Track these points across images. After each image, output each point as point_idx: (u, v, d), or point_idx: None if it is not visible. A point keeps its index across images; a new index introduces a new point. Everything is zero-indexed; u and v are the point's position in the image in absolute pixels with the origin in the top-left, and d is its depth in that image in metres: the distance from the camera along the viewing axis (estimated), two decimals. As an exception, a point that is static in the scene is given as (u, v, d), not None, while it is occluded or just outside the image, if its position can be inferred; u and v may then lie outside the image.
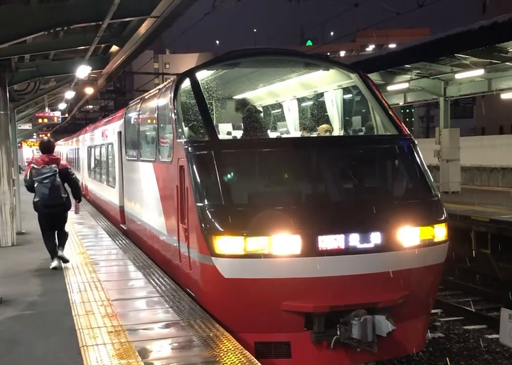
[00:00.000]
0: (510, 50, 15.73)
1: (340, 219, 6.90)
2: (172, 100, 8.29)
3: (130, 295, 7.94)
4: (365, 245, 6.74)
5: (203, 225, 6.83)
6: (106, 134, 17.06)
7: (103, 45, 14.49)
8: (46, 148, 9.82)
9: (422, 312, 7.45)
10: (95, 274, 9.19)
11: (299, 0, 15.62)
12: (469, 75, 18.34)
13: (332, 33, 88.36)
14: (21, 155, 49.75)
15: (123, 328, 6.39)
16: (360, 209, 7.08)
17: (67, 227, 10.27)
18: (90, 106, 50.64)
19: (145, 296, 7.84)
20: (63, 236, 9.99)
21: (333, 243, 6.65)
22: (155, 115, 9.83)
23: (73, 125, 53.45)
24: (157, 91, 10.06)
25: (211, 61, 9.58)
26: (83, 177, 24.66)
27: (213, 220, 6.77)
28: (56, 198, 9.44)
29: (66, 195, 9.65)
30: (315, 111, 10.72)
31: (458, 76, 18.61)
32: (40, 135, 55.77)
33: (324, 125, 9.81)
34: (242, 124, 9.85)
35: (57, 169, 9.45)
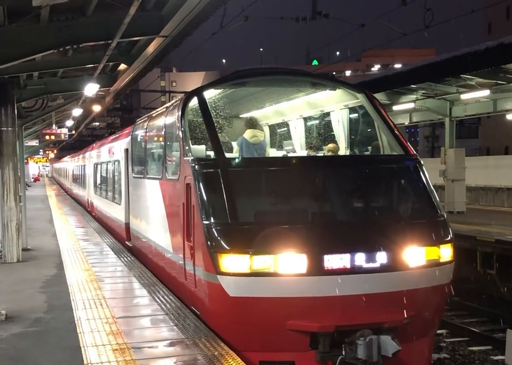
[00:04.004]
0: (515, 71, 15.81)
1: (346, 239, 6.89)
2: (180, 118, 8.34)
3: (134, 312, 7.92)
4: (371, 265, 6.73)
5: (209, 243, 6.83)
6: (113, 151, 17.10)
7: (111, 63, 14.61)
8: None
9: (428, 332, 7.40)
10: (100, 291, 9.17)
11: (306, 20, 15.65)
12: (475, 96, 18.41)
13: (338, 53, 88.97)
14: (27, 172, 49.78)
15: (128, 346, 6.37)
16: (366, 228, 7.08)
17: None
18: (97, 123, 50.86)
19: (150, 314, 7.82)
20: None
21: (339, 262, 6.65)
22: (163, 133, 9.88)
23: (80, 142, 53.61)
24: (164, 109, 10.12)
25: (218, 80, 9.63)
26: (89, 193, 24.71)
27: (219, 238, 6.78)
28: None
29: None
30: (322, 131, 10.75)
31: (464, 96, 18.68)
32: (47, 152, 56.03)
33: (331, 145, 9.84)
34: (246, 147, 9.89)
35: None
